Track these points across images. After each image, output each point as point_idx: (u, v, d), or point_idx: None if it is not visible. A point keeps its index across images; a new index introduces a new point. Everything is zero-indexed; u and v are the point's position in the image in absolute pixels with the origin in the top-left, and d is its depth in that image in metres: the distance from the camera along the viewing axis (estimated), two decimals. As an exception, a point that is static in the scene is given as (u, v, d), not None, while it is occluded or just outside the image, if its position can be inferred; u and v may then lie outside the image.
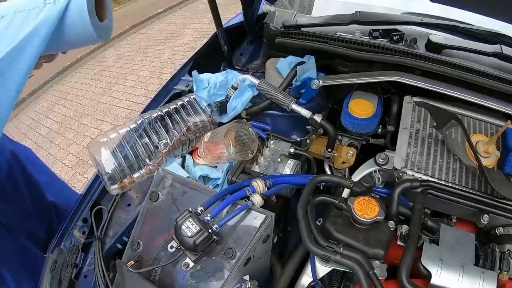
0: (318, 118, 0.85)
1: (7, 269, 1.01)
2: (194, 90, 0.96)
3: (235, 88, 0.94)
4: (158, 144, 0.79)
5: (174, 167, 0.84)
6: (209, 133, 0.84)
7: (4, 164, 1.05)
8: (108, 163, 0.75)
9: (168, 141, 0.80)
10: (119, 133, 0.78)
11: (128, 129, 0.79)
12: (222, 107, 0.94)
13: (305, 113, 0.86)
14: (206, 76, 0.97)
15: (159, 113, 0.83)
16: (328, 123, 0.85)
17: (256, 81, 0.91)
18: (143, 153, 0.77)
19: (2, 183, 1.02)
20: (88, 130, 3.32)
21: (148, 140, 0.79)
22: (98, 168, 0.76)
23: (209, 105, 0.91)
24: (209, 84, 0.96)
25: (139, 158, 0.77)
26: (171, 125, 0.82)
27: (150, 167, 0.79)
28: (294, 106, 0.86)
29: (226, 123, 1.01)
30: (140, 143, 0.78)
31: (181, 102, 0.87)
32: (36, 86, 4.39)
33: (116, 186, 0.76)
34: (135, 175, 0.78)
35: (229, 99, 0.94)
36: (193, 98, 0.89)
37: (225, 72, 1.00)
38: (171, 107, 0.85)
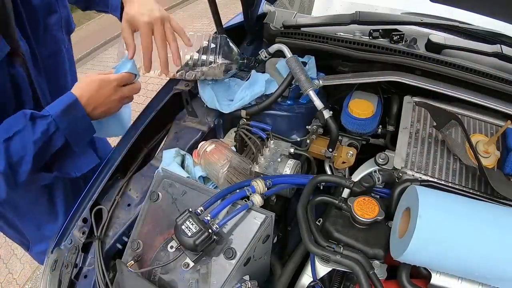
0: (327, 114, 0.85)
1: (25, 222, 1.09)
2: (199, 88, 0.96)
3: (268, 53, 0.99)
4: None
5: (174, 167, 0.84)
6: (212, 145, 0.83)
7: None
8: None
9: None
10: None
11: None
12: (249, 63, 0.98)
13: (318, 103, 0.86)
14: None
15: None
16: (334, 122, 0.85)
17: (289, 54, 0.92)
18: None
19: None
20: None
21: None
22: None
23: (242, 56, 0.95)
24: (212, 81, 0.96)
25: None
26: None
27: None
28: (311, 93, 0.86)
29: (228, 126, 1.01)
30: None
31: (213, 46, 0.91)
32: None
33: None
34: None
35: (259, 59, 1.00)
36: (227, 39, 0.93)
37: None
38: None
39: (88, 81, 0.78)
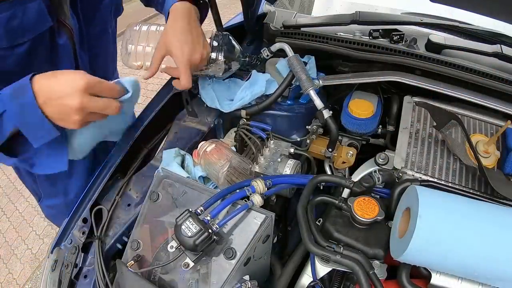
0: (326, 113, 0.85)
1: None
2: (199, 87, 0.96)
3: (270, 52, 0.99)
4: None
5: (174, 167, 0.84)
6: (213, 145, 0.83)
7: None
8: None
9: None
10: None
11: None
12: (251, 61, 0.97)
13: (318, 103, 0.86)
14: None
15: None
16: (334, 122, 0.85)
17: (290, 53, 0.92)
18: None
19: None
20: (88, 130, 3.31)
21: None
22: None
23: (244, 54, 0.95)
24: (213, 81, 0.96)
25: None
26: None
27: None
28: (312, 92, 0.87)
29: (228, 126, 1.00)
30: None
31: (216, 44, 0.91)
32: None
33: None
34: None
35: (261, 57, 1.00)
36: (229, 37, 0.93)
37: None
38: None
39: (55, 71, 0.66)
